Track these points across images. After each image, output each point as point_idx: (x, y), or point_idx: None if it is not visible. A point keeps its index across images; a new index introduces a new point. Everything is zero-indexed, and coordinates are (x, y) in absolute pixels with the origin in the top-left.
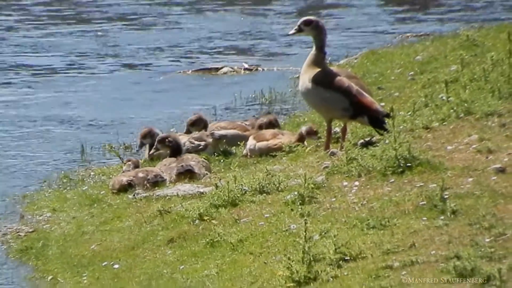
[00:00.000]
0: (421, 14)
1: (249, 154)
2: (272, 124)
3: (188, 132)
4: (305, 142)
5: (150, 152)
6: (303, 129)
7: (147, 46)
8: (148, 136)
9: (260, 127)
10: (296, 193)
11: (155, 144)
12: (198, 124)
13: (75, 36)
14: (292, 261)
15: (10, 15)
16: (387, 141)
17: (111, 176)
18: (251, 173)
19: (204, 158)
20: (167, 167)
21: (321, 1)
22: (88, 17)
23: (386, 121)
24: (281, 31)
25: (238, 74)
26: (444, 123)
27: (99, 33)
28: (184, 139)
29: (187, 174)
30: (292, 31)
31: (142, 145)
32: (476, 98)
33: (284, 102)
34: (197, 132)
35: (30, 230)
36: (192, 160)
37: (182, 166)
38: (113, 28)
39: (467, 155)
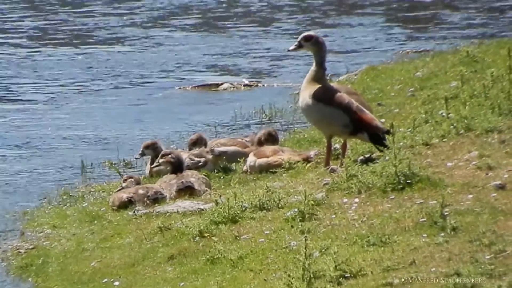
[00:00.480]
0: (421, 31)
1: (249, 170)
2: (272, 136)
3: (190, 151)
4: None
5: (152, 166)
6: (312, 153)
7: (146, 63)
8: (151, 148)
9: (259, 140)
10: (296, 210)
11: (158, 158)
12: (200, 143)
13: (73, 55)
14: (292, 278)
15: (7, 31)
16: (387, 158)
17: (111, 192)
18: (251, 190)
19: (204, 175)
20: (167, 183)
21: (321, 18)
22: (86, 37)
23: (386, 138)
24: (282, 47)
25: (238, 90)
26: (444, 140)
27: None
28: (184, 156)
29: (187, 191)
30: (292, 47)
31: (143, 154)
32: (476, 114)
33: (284, 118)
34: (197, 149)
35: (30, 247)
36: (192, 177)
37: (182, 182)
38: (111, 46)
39: (467, 172)
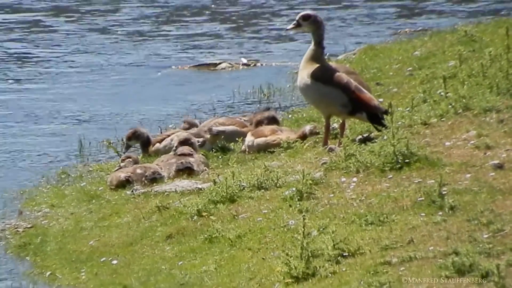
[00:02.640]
0: (419, 9)
1: (247, 150)
2: (274, 119)
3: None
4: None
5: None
6: (307, 128)
7: (144, 42)
8: (134, 137)
9: (259, 123)
10: (294, 189)
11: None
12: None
13: (72, 32)
14: (291, 257)
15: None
16: (385, 137)
17: (109, 172)
18: (249, 169)
19: (202, 154)
20: (165, 162)
21: None
22: (86, 14)
23: (384, 118)
24: (280, 25)
25: (236, 70)
26: (442, 119)
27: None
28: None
29: (186, 171)
30: (291, 26)
31: (128, 146)
32: (474, 93)
33: (282, 98)
34: (195, 128)
35: (29, 226)
36: (189, 152)
37: (181, 163)
38: (109, 25)
39: (465, 151)
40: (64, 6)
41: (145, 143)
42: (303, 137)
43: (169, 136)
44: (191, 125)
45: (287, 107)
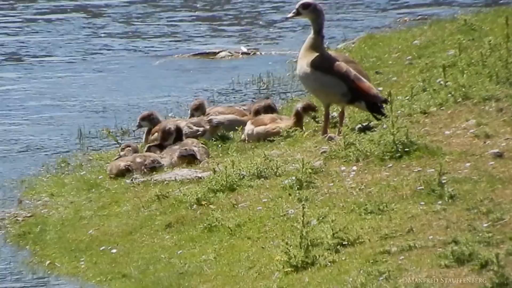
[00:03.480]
0: None
1: (247, 139)
2: (271, 108)
3: (192, 116)
4: (303, 128)
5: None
6: (299, 106)
7: (144, 30)
8: (147, 119)
9: (257, 112)
10: (294, 178)
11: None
12: (202, 109)
13: (71, 21)
14: (290, 246)
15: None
16: (385, 126)
17: (109, 161)
18: (249, 158)
19: (202, 143)
20: (168, 149)
21: None
22: (84, 1)
23: (383, 106)
24: (279, 14)
25: (236, 58)
26: (442, 108)
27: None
28: (182, 124)
29: (189, 159)
30: (290, 14)
31: (139, 126)
32: (473, 82)
33: (282, 86)
34: (195, 118)
35: (28, 215)
36: (194, 145)
37: (185, 149)
38: (108, 13)
39: (464, 140)
40: None
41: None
42: (298, 116)
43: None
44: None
45: (287, 95)
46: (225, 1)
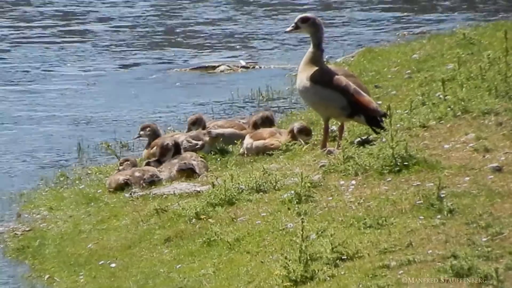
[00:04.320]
0: (418, 13)
1: (245, 152)
2: (269, 120)
3: (189, 131)
4: (301, 140)
5: (134, 137)
6: (296, 126)
7: (144, 43)
8: (197, 123)
9: (255, 124)
10: (293, 192)
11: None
12: (199, 123)
13: (68, 36)
14: (289, 260)
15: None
16: (384, 140)
17: (108, 174)
18: (248, 172)
19: (201, 157)
20: (167, 163)
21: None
22: (80, 17)
23: (383, 120)
24: (279, 28)
25: (235, 72)
26: (441, 122)
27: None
28: (181, 138)
29: (188, 172)
30: (289, 29)
31: (139, 136)
32: (473, 96)
33: (281, 100)
34: (194, 131)
35: (27, 229)
36: (193, 159)
37: (185, 163)
38: (107, 26)
39: (464, 154)
40: (62, 6)
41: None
42: (293, 135)
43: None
44: (198, 121)
45: (286, 109)
46: (225, 15)
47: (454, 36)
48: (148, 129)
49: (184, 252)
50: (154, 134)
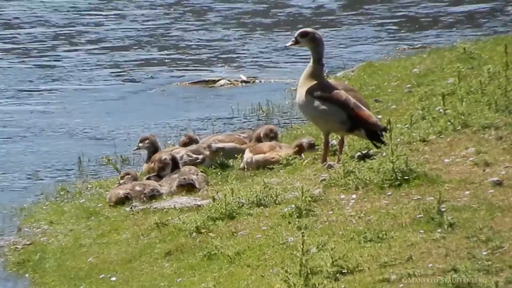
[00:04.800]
0: (418, 28)
1: (246, 167)
2: (273, 133)
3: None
4: (302, 155)
5: (133, 149)
6: (305, 141)
7: (144, 57)
8: (144, 142)
9: (258, 137)
10: (293, 206)
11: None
12: (190, 144)
13: (68, 51)
14: (290, 274)
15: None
16: (384, 154)
17: (108, 189)
18: (248, 186)
19: (201, 171)
20: (167, 178)
21: (317, 13)
22: (84, 27)
23: (383, 134)
24: (279, 42)
25: (235, 86)
26: (441, 136)
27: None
28: (181, 152)
29: (188, 188)
30: (289, 43)
31: (138, 148)
32: (473, 111)
33: (281, 115)
34: (194, 145)
35: (27, 243)
36: (193, 174)
37: (184, 178)
38: (108, 39)
39: (464, 168)
40: (61, 21)
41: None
42: (300, 149)
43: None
44: (191, 141)
45: (286, 123)
46: (225, 29)
47: (454, 50)
48: (147, 141)
49: (184, 265)
50: (153, 146)
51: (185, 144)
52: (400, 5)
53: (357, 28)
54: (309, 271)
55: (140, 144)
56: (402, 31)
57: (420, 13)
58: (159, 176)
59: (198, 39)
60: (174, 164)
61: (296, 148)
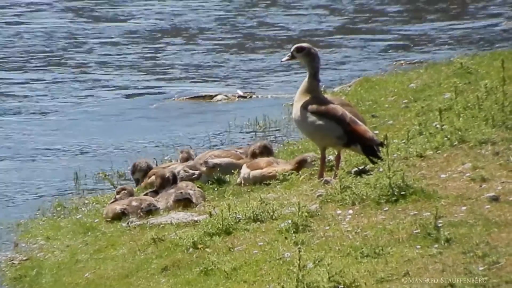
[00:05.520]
0: (415, 42)
1: (243, 182)
2: (266, 149)
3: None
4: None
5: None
6: (309, 156)
7: (141, 73)
8: (137, 170)
9: (254, 153)
10: (290, 221)
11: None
12: (189, 159)
13: (65, 67)
14: None
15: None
16: (381, 169)
17: (105, 204)
18: (245, 201)
19: (198, 187)
20: (163, 193)
21: (314, 28)
22: (81, 44)
23: (380, 150)
24: (275, 58)
25: (232, 102)
26: (438, 151)
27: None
28: (178, 168)
29: (185, 202)
30: (285, 58)
31: (137, 181)
32: (470, 126)
33: (278, 130)
34: (191, 161)
35: (24, 258)
36: (189, 189)
37: (181, 193)
38: (105, 54)
39: (461, 184)
40: (60, 33)
41: (146, 174)
42: (300, 164)
43: (165, 168)
44: (189, 157)
45: (283, 139)
46: (222, 45)
47: (451, 65)
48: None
49: (181, 281)
50: (144, 171)
51: (185, 160)
52: (396, 22)
53: (354, 42)
54: (305, 287)
55: (134, 176)
56: (399, 46)
57: (415, 31)
58: (155, 192)
59: (194, 56)
60: (174, 181)
61: (297, 165)
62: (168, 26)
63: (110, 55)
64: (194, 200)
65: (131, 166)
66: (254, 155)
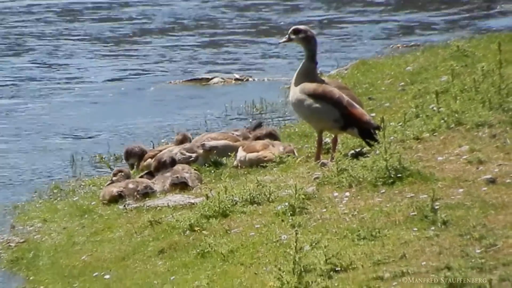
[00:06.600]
0: (412, 24)
1: (239, 165)
2: (273, 136)
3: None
4: (296, 153)
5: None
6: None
7: (137, 56)
8: (130, 156)
9: (258, 139)
10: (287, 203)
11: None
12: (185, 142)
13: (64, 47)
14: (283, 272)
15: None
16: (377, 152)
17: (101, 187)
18: (242, 184)
19: (195, 169)
20: (160, 176)
21: (313, 12)
22: (78, 29)
23: (376, 133)
24: (272, 40)
25: (229, 84)
26: (434, 134)
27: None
28: (175, 150)
29: (181, 186)
30: (282, 40)
31: (132, 166)
32: (466, 108)
33: (275, 113)
34: (188, 144)
35: (21, 241)
36: (185, 172)
37: (177, 177)
38: (103, 39)
39: (457, 166)
40: (56, 20)
41: (141, 158)
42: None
43: (161, 151)
44: (185, 139)
45: (280, 122)
46: (220, 28)
47: (448, 48)
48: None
49: (178, 264)
50: (138, 156)
51: (180, 142)
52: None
53: (351, 25)
54: (302, 269)
55: (129, 161)
56: (396, 29)
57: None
58: (151, 174)
59: (192, 39)
60: (172, 165)
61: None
62: (164, 18)
63: (106, 36)
64: (190, 184)
65: (123, 153)
66: (258, 139)
